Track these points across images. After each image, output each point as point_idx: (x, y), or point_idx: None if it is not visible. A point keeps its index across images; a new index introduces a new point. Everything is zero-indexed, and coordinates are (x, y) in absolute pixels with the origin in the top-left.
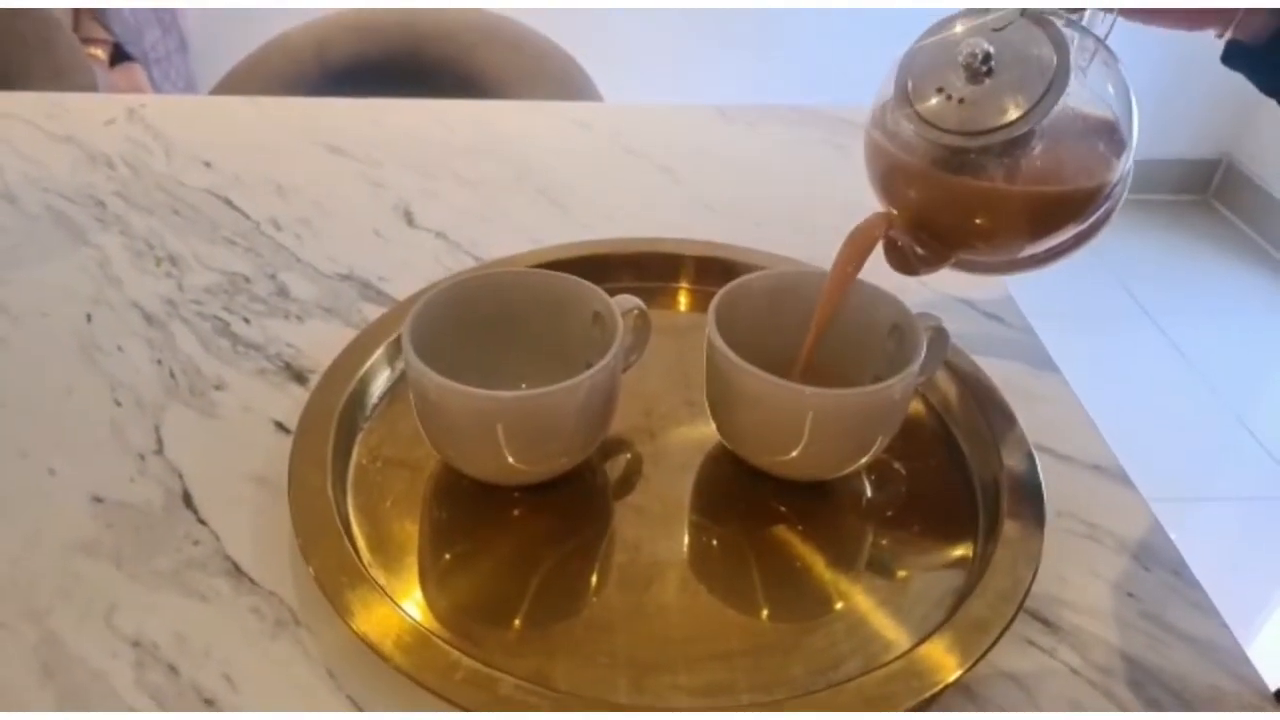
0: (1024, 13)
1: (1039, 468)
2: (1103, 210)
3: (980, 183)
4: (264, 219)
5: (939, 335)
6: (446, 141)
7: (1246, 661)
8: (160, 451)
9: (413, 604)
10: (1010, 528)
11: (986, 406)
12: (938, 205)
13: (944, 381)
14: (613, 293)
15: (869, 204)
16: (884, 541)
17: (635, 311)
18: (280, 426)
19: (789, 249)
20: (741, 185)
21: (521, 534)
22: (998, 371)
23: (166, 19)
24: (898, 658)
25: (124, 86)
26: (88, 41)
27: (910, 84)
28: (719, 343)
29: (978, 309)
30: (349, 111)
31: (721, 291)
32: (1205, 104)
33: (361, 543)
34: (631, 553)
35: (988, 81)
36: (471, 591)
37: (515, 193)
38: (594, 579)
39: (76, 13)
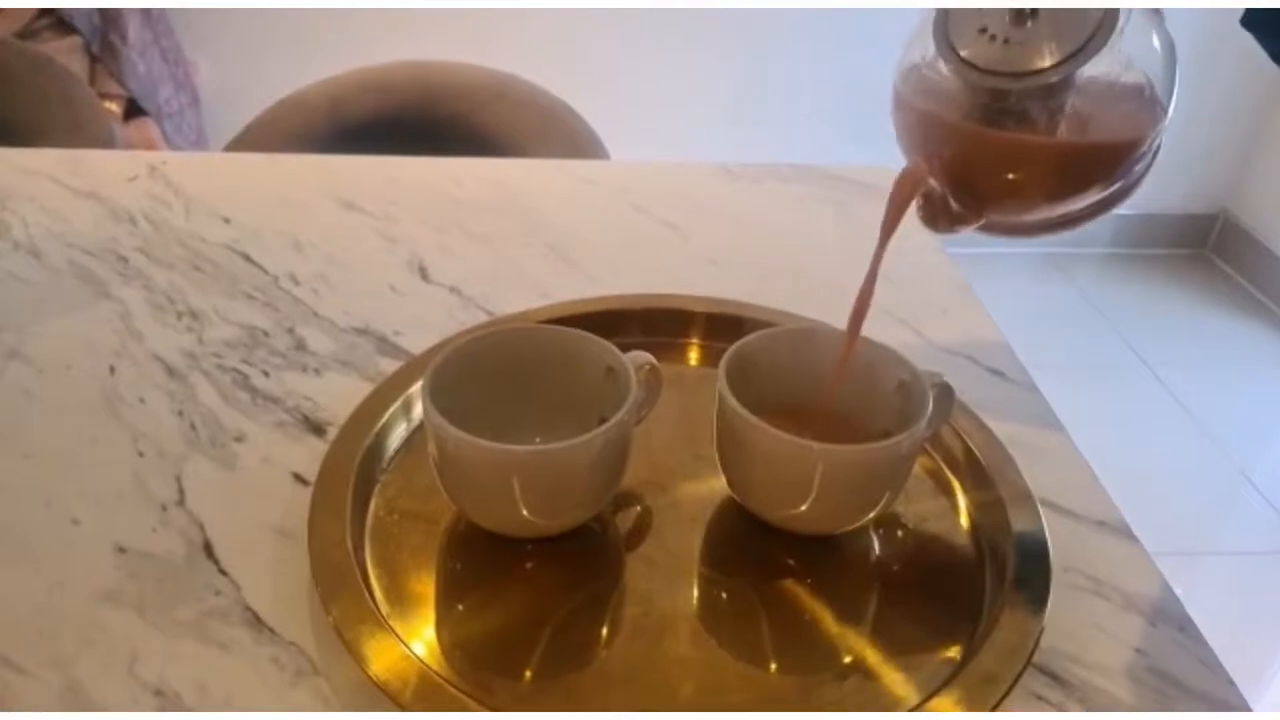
0: None
1: (1044, 524)
2: (1139, 168)
3: (1019, 134)
4: (282, 274)
5: (944, 392)
6: (459, 198)
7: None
8: (182, 502)
9: (430, 654)
10: (1017, 583)
11: (991, 462)
12: (974, 157)
13: (949, 437)
14: (623, 347)
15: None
16: (892, 596)
17: (647, 367)
18: (299, 478)
19: (791, 303)
20: (745, 241)
21: (535, 585)
22: (1001, 427)
23: (180, 75)
24: (908, 711)
25: (137, 140)
26: (103, 96)
27: (950, 25)
28: (730, 398)
29: (979, 364)
30: (364, 168)
31: (733, 347)
32: (1203, 158)
33: (379, 593)
34: (643, 605)
35: (1031, 24)
36: (486, 642)
37: (526, 248)
38: (606, 631)
39: (93, 69)
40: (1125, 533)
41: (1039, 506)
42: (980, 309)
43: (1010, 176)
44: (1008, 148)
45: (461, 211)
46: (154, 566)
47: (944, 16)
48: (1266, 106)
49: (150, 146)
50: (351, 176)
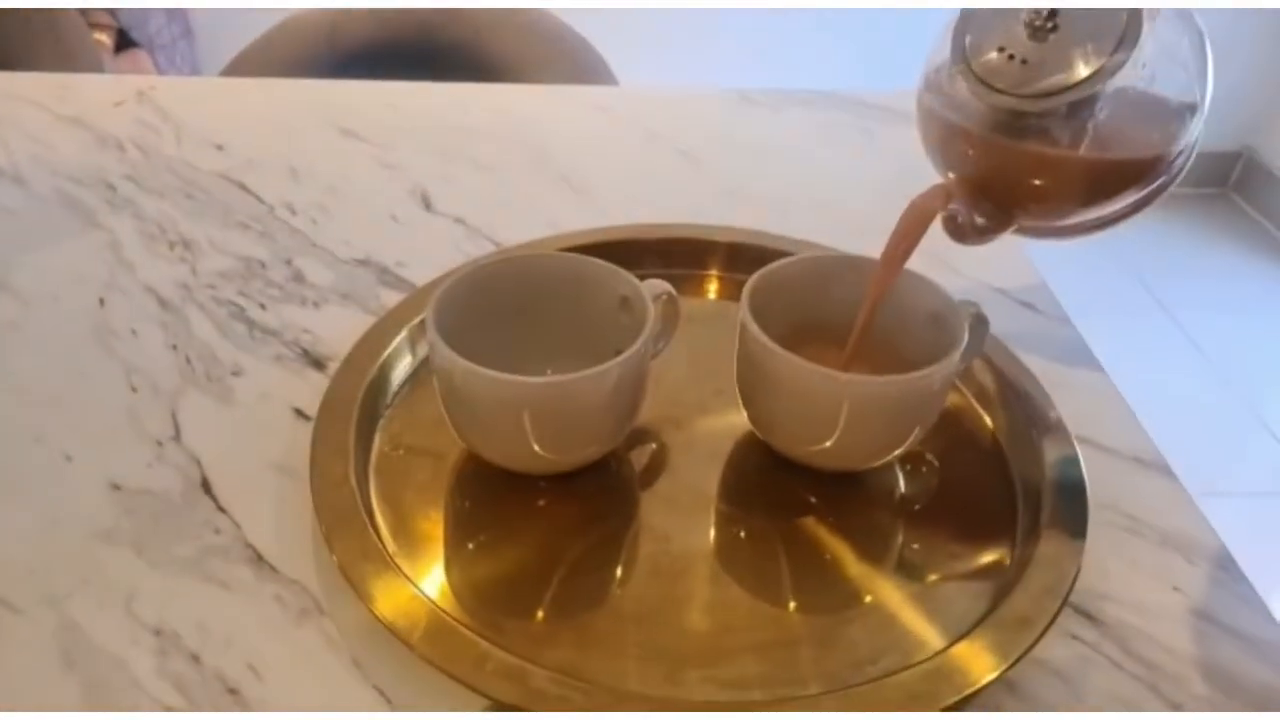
0: None
1: (1081, 459)
2: (1174, 170)
3: (1043, 149)
4: (278, 203)
5: (979, 323)
6: (463, 126)
7: None
8: (178, 438)
9: (439, 593)
10: (1052, 521)
11: (1025, 397)
12: (998, 172)
13: (980, 371)
14: (639, 278)
15: (897, 191)
16: (919, 534)
17: (665, 296)
18: (300, 413)
19: (815, 235)
20: (765, 171)
21: (547, 523)
22: (1033, 361)
23: (171, 5)
24: (939, 653)
25: (129, 73)
26: (93, 26)
27: (968, 42)
28: (753, 326)
29: (1011, 297)
30: (362, 94)
31: (755, 276)
32: (1225, 96)
33: (385, 531)
34: (660, 543)
35: (1052, 38)
36: (497, 581)
37: (534, 178)
38: (622, 570)
39: None
40: (1163, 469)
41: (1075, 442)
42: (1010, 238)
43: (1039, 190)
44: (1035, 163)
45: (466, 139)
46: (150, 504)
47: (962, 32)
48: None
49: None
50: (350, 103)
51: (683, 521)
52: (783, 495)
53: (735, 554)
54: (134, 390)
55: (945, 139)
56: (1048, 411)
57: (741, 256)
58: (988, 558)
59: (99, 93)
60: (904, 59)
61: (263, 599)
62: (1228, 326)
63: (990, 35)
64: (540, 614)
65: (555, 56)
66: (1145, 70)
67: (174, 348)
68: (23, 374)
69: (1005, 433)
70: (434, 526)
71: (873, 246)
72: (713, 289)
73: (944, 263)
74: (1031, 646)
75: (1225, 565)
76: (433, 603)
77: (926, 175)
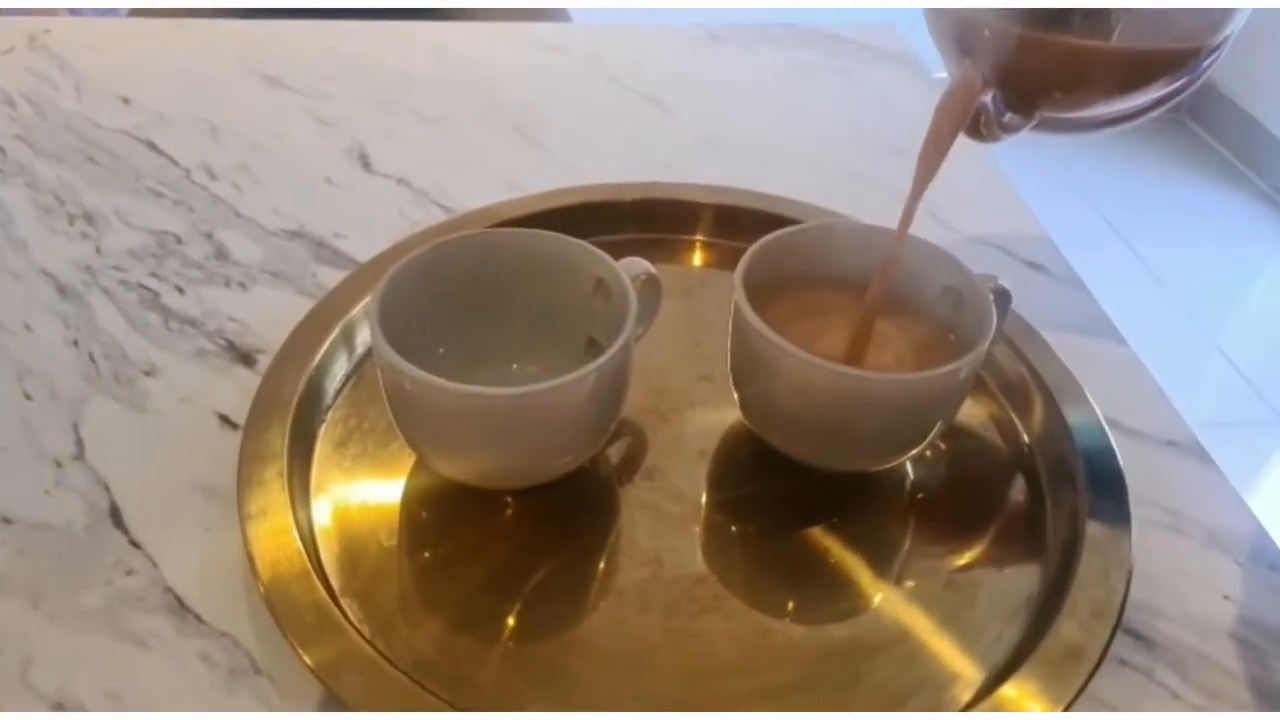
0: None
1: (1117, 451)
2: (1210, 61)
3: (1081, 41)
4: (195, 165)
5: (1003, 299)
6: (404, 71)
7: None
8: (81, 456)
9: (392, 639)
10: (1092, 525)
11: (1045, 375)
12: (1029, 64)
13: (998, 351)
14: (607, 246)
15: (880, 136)
16: (940, 546)
17: (644, 277)
18: (226, 420)
19: (801, 190)
20: (739, 117)
21: (516, 543)
22: (1049, 332)
23: None
24: (981, 697)
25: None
26: None
27: None
28: (749, 312)
29: (1016, 257)
30: (290, 35)
31: (750, 250)
32: None
33: (329, 565)
34: (646, 564)
35: None
36: (459, 618)
37: (486, 130)
38: (602, 600)
39: None
40: (1200, 454)
41: (1108, 431)
42: (1011, 191)
43: (1070, 80)
44: (1069, 53)
45: (408, 87)
46: (49, 540)
47: None
48: None
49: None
50: (276, 46)
51: (670, 536)
52: (783, 500)
53: (733, 576)
54: (28, 398)
55: (963, 21)
56: (1074, 393)
57: (727, 219)
58: (1021, 571)
59: None
60: None
61: (186, 657)
62: (1184, 254)
63: None
64: (514, 657)
65: None
66: None
67: (75, 344)
68: None
69: (1026, 419)
70: (386, 557)
71: (860, 202)
72: (692, 255)
73: (938, 219)
74: (1087, 683)
75: (1277, 565)
76: (387, 658)
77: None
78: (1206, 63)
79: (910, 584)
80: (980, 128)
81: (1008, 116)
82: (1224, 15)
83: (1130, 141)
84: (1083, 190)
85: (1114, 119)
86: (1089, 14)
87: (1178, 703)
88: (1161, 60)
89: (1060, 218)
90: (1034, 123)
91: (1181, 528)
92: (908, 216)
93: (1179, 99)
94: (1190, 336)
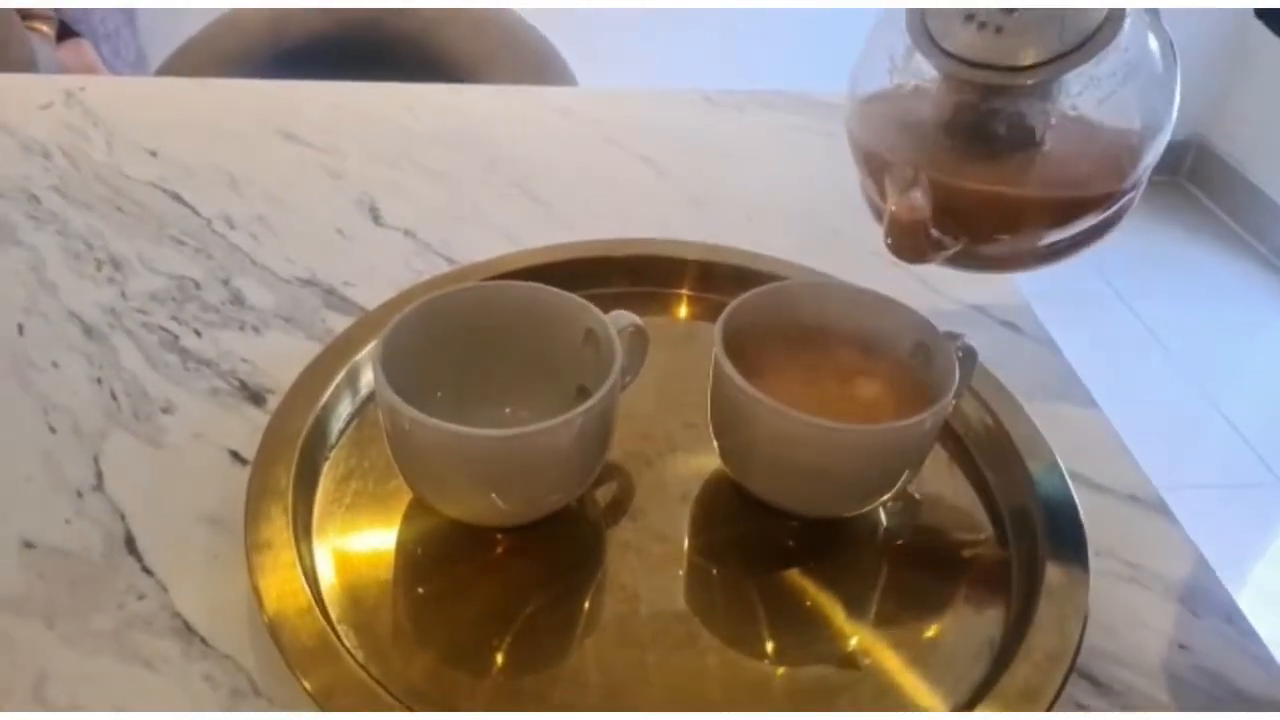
0: None
1: (1078, 503)
2: (1135, 195)
3: (999, 188)
4: (215, 216)
5: (968, 355)
6: (413, 130)
7: None
8: (100, 487)
9: (387, 667)
10: (1052, 573)
11: (1013, 430)
12: (951, 205)
13: (965, 401)
14: (600, 299)
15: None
16: (908, 587)
17: (631, 328)
18: (235, 456)
19: (784, 249)
20: (730, 177)
21: (505, 578)
22: (1018, 387)
23: None
24: None
25: (73, 63)
26: (30, 17)
27: (929, 17)
28: (728, 366)
29: (992, 316)
30: (307, 95)
31: (729, 307)
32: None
33: (328, 595)
34: (628, 601)
35: (1029, 3)
36: (451, 648)
37: (489, 186)
38: (587, 633)
39: None
40: (1159, 508)
41: (1070, 484)
42: None
43: (993, 224)
44: (987, 201)
45: (416, 145)
46: (67, 565)
47: (920, 11)
48: (1243, 30)
49: (89, 70)
50: (293, 104)
51: (652, 575)
52: (760, 543)
53: (710, 613)
54: (53, 431)
55: (875, 158)
56: (1038, 447)
57: (712, 275)
58: (984, 614)
59: (23, 94)
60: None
61: (191, 679)
62: (1184, 315)
63: (952, 16)
64: (502, 684)
65: (511, 53)
66: (1115, 70)
67: (99, 381)
68: None
69: (994, 471)
70: (382, 587)
71: (841, 262)
72: (682, 309)
73: (924, 282)
74: None
75: (1232, 617)
76: (382, 685)
77: None
78: (1118, 206)
79: (879, 625)
80: (909, 248)
81: (937, 235)
82: (1150, 135)
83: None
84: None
85: (1037, 256)
86: (1029, 115)
87: None
88: (1086, 203)
89: (1061, 278)
90: (959, 246)
91: (1141, 579)
92: None
93: (1098, 241)
94: (1191, 398)
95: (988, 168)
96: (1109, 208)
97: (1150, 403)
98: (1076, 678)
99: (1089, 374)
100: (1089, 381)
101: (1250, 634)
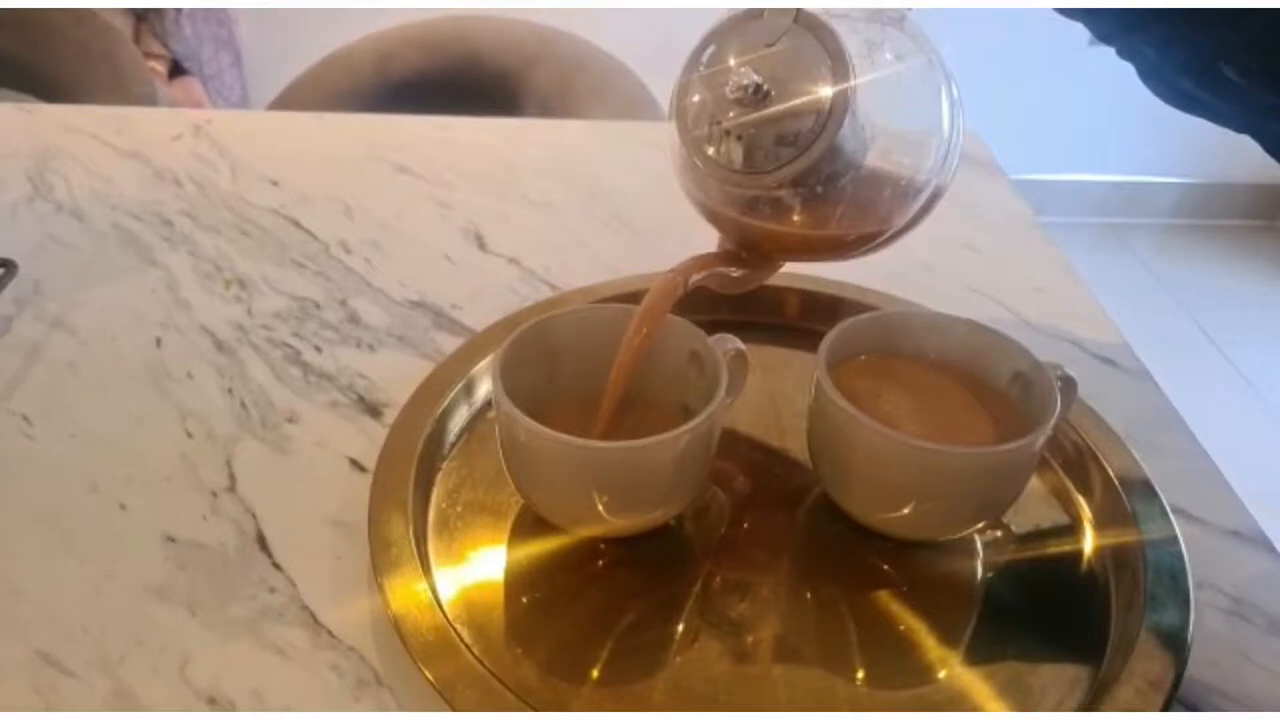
0: (798, 18)
1: (1179, 535)
2: (928, 204)
3: (768, 223)
4: (332, 241)
5: (1068, 385)
6: (515, 162)
7: None
8: (233, 488)
9: (499, 664)
10: (1152, 603)
11: (1113, 463)
12: (746, 239)
13: (1064, 434)
14: (707, 326)
15: (954, 232)
16: (1004, 613)
17: (734, 352)
18: (355, 464)
19: (876, 281)
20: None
21: (607, 589)
22: (1117, 422)
23: (223, 35)
24: None
25: (182, 100)
26: (147, 56)
27: (689, 116)
28: (829, 388)
29: (1088, 351)
30: (415, 129)
31: (832, 332)
32: None
33: (444, 594)
34: (723, 615)
35: (766, 110)
36: (556, 647)
37: (587, 216)
38: (684, 643)
39: (137, 28)
40: (1263, 543)
41: (1171, 514)
42: (1082, 288)
43: (783, 250)
44: (766, 234)
45: (519, 176)
46: (205, 558)
47: (683, 95)
48: None
49: (196, 105)
50: (402, 137)
51: (747, 592)
52: (856, 565)
53: (804, 631)
54: (189, 436)
55: (695, 201)
56: (1138, 479)
57: (810, 305)
58: (1081, 643)
59: (157, 126)
60: None
61: (319, 667)
62: (1277, 360)
63: (705, 111)
64: (600, 685)
65: (601, 89)
66: (876, 123)
67: (229, 391)
68: (79, 418)
69: (1093, 502)
70: (493, 590)
71: (931, 295)
72: (782, 338)
73: (1020, 318)
74: None
75: None
76: (494, 674)
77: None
78: (927, 205)
79: (972, 649)
80: (723, 286)
81: (738, 274)
82: (925, 163)
83: (1221, 247)
84: (1173, 295)
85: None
86: (785, 200)
87: None
88: (861, 240)
89: (1151, 322)
90: (773, 274)
91: (1243, 613)
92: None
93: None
94: None
95: (781, 220)
96: (891, 236)
97: (1244, 451)
98: (1176, 706)
99: (1187, 420)
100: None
101: None
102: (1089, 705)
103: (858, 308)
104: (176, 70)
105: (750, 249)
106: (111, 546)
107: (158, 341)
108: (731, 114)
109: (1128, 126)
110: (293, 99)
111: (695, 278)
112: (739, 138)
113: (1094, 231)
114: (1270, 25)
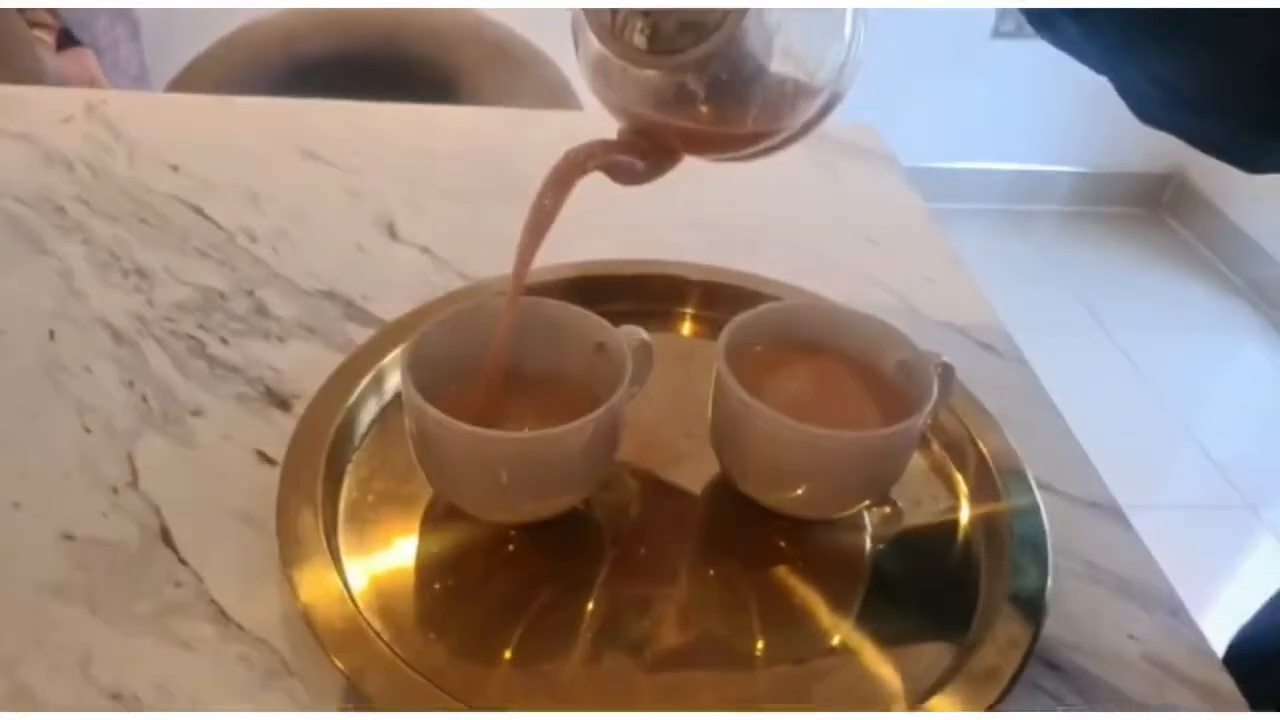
0: None
1: (1042, 508)
2: (826, 107)
3: (681, 118)
4: (238, 230)
5: (946, 372)
6: (430, 150)
7: (1243, 703)
8: (134, 484)
9: (410, 650)
10: (1016, 570)
11: (987, 442)
12: (650, 128)
13: (943, 416)
14: (611, 316)
15: (853, 225)
16: (888, 583)
17: (639, 344)
18: (263, 457)
19: (783, 273)
20: (731, 203)
21: (518, 571)
22: (993, 403)
23: (119, 3)
24: (911, 709)
25: (74, 73)
26: (33, 25)
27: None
28: (728, 377)
29: (971, 338)
30: (326, 114)
31: (730, 324)
32: None
33: (354, 584)
34: (631, 593)
35: None
36: (468, 632)
37: (502, 206)
38: (591, 619)
39: None
40: (1117, 515)
41: (1036, 489)
42: (969, 279)
43: (690, 142)
44: (682, 130)
45: (433, 164)
46: (106, 555)
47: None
48: None
49: (89, 80)
50: (313, 123)
51: (653, 570)
52: (754, 543)
53: (707, 605)
54: (88, 431)
55: (599, 91)
56: (1010, 457)
57: (714, 295)
58: (955, 607)
59: (46, 107)
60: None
61: (227, 659)
62: (1161, 343)
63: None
64: (511, 666)
65: (524, 78)
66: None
67: (130, 385)
68: None
69: (969, 479)
70: (404, 578)
71: (833, 285)
72: (684, 326)
73: (911, 307)
74: (1000, 700)
75: (1176, 611)
76: (404, 660)
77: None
78: (832, 101)
79: (860, 615)
80: (624, 178)
81: (641, 166)
82: (831, 58)
83: (1110, 234)
84: (1068, 281)
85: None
86: (690, 85)
87: None
88: (757, 137)
89: (1046, 305)
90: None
91: (1097, 577)
92: (519, 277)
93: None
94: (1165, 423)
95: (684, 109)
96: (789, 137)
97: (1127, 427)
98: (1036, 661)
99: (1069, 399)
100: (1069, 405)
101: (1191, 626)
102: (958, 664)
103: (760, 298)
104: (67, 40)
105: (653, 139)
106: (4, 546)
107: (51, 334)
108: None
109: (1028, 117)
110: (195, 76)
111: (598, 160)
112: (644, 18)
113: (997, 218)
114: None
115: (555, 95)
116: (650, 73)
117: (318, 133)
